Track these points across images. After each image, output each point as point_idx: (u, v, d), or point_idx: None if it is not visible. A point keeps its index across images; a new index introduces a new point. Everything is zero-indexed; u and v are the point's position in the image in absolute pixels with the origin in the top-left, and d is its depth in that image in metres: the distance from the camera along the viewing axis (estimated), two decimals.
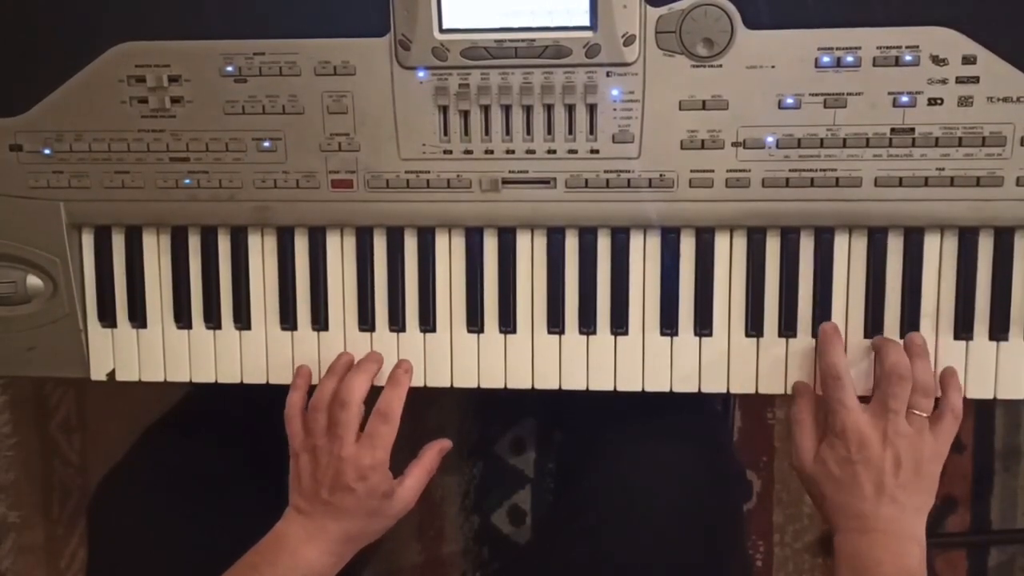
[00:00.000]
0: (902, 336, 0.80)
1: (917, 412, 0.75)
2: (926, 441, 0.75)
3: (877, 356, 0.78)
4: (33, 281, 0.85)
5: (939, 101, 0.75)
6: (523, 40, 0.77)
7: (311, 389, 0.84)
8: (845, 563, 0.75)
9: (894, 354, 0.76)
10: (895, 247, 0.80)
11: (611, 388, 0.84)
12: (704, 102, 0.77)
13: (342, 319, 0.85)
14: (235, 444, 0.98)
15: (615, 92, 0.77)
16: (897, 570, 0.73)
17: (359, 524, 0.81)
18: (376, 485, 0.80)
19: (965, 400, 0.80)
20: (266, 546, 0.80)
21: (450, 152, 0.80)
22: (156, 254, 0.86)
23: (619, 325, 0.82)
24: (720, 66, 0.76)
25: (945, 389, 0.78)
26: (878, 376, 0.78)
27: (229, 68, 0.80)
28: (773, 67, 0.76)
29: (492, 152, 0.80)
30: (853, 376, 0.79)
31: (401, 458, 0.83)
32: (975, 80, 0.74)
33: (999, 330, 0.79)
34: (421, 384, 0.85)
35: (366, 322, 0.85)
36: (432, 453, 0.86)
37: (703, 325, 0.82)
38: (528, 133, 0.79)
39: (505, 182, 0.80)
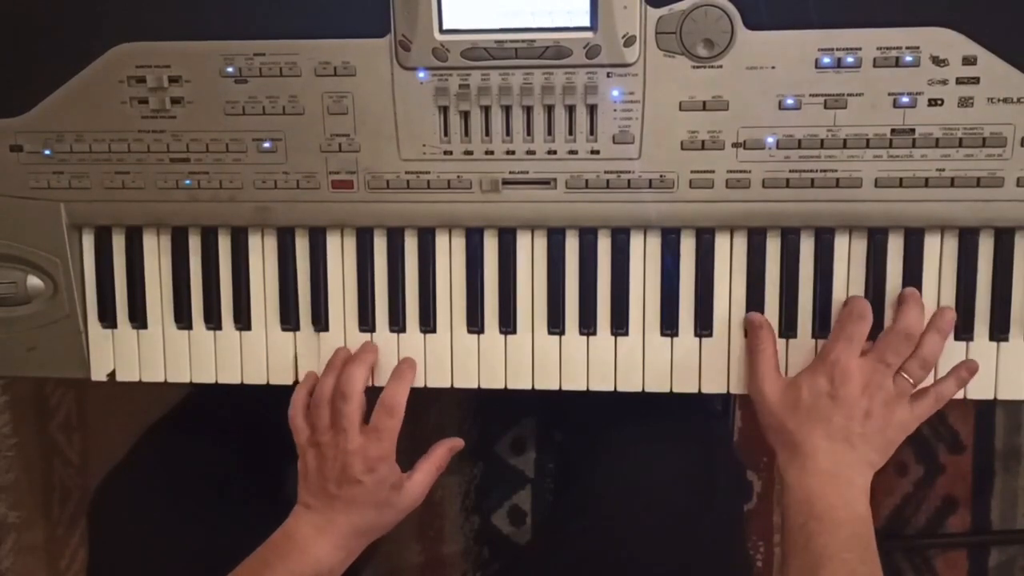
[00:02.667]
0: None
1: (906, 376, 0.76)
2: (901, 407, 0.76)
3: (898, 309, 0.78)
4: (33, 282, 0.85)
5: (939, 102, 0.75)
6: (523, 41, 0.77)
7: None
8: (797, 508, 0.74)
9: (912, 315, 0.76)
10: (895, 248, 0.80)
11: (611, 388, 0.84)
12: (704, 103, 0.77)
13: (342, 320, 0.85)
14: (235, 444, 0.98)
15: (615, 93, 0.77)
16: (850, 515, 0.73)
17: (368, 517, 0.81)
18: (384, 476, 0.80)
19: (965, 400, 0.80)
20: (276, 542, 0.80)
21: (450, 153, 0.80)
22: (156, 254, 0.86)
23: (619, 325, 0.83)
24: (720, 67, 0.76)
25: (950, 374, 0.78)
26: (887, 327, 0.78)
27: (229, 69, 0.80)
28: (773, 68, 0.76)
29: (492, 153, 0.80)
30: None
31: (401, 458, 0.83)
32: (975, 81, 0.74)
33: (999, 331, 0.79)
34: (421, 384, 0.85)
35: (366, 323, 0.85)
36: (443, 450, 0.86)
37: (703, 326, 0.82)
38: (528, 134, 0.79)
39: (505, 183, 0.80)
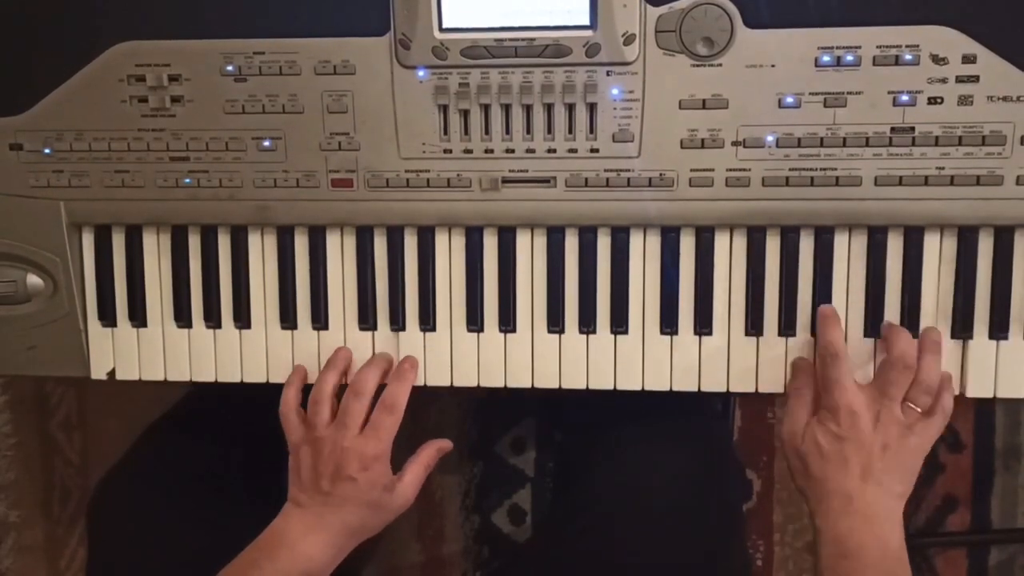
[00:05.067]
0: None
1: (912, 406, 0.75)
2: (915, 434, 0.75)
3: (886, 342, 0.78)
4: (33, 280, 0.85)
5: (939, 100, 0.75)
6: (523, 39, 0.77)
7: (306, 388, 0.84)
8: (828, 547, 0.74)
9: (903, 344, 0.76)
10: (895, 246, 0.80)
11: (611, 387, 0.84)
12: (704, 101, 0.77)
13: (342, 318, 0.86)
14: (235, 444, 0.98)
15: (615, 91, 0.77)
16: (881, 553, 0.73)
17: (359, 516, 0.81)
18: (378, 476, 0.80)
19: (965, 399, 0.80)
20: (265, 541, 0.80)
21: (450, 151, 0.80)
22: (156, 253, 0.86)
23: (619, 324, 0.83)
24: (720, 65, 0.76)
25: (939, 390, 0.77)
26: (882, 360, 0.77)
27: (229, 67, 0.80)
28: (773, 66, 0.76)
29: (492, 151, 0.80)
30: (854, 371, 0.79)
31: (401, 457, 0.83)
32: (975, 79, 0.74)
33: (999, 329, 0.79)
34: (421, 383, 0.85)
35: (366, 321, 0.85)
36: (431, 451, 0.86)
37: (703, 324, 0.82)
38: (528, 132, 0.79)
39: (505, 181, 0.80)
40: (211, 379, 0.87)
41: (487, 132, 0.79)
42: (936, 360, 0.77)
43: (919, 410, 0.76)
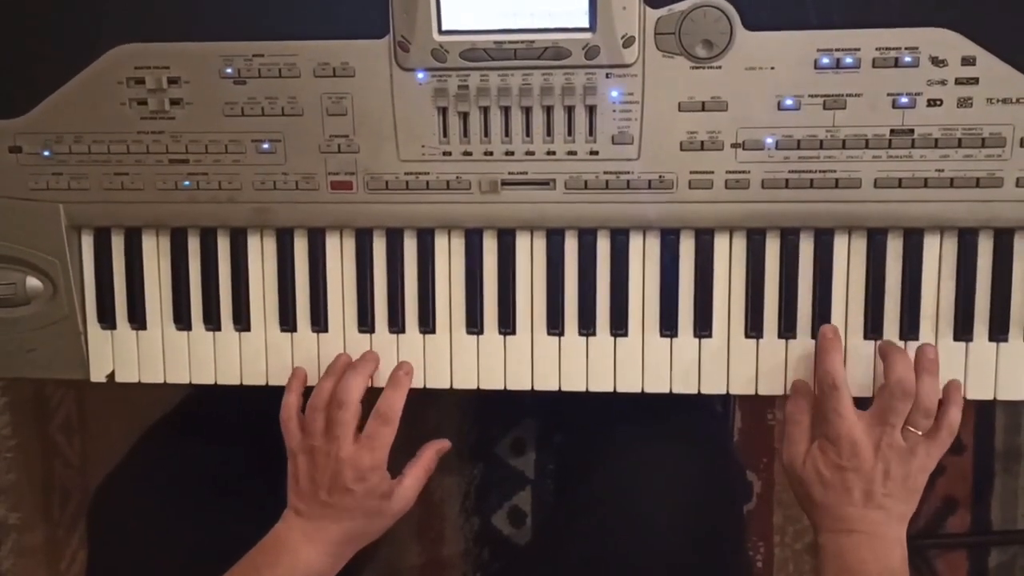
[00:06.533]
0: (901, 338, 0.80)
1: (913, 430, 0.75)
2: (918, 456, 0.75)
3: (884, 365, 0.77)
4: (33, 283, 0.85)
5: (938, 102, 0.75)
6: (522, 41, 0.77)
7: (307, 391, 0.84)
8: (829, 563, 0.75)
9: (901, 368, 0.75)
10: (895, 248, 0.80)
11: (611, 389, 0.84)
12: (703, 103, 0.77)
13: (341, 321, 0.85)
14: (235, 445, 0.98)
15: (614, 93, 0.77)
16: (881, 569, 0.74)
17: (358, 525, 0.81)
18: (375, 486, 0.80)
19: (965, 401, 0.80)
20: (266, 547, 0.80)
21: (449, 154, 0.80)
22: (156, 256, 0.86)
23: (619, 326, 0.82)
24: (719, 67, 0.76)
25: (946, 403, 0.77)
26: (881, 385, 0.77)
27: (228, 70, 0.80)
28: (772, 68, 0.76)
29: (491, 154, 0.80)
30: (854, 378, 0.79)
31: (400, 459, 0.83)
32: (974, 81, 0.74)
33: (999, 331, 0.79)
34: (421, 385, 0.85)
35: (366, 323, 0.85)
36: (430, 453, 0.86)
37: (703, 326, 0.82)
38: (527, 134, 0.79)
39: (504, 183, 0.80)
40: (210, 381, 0.87)
41: (486, 134, 0.79)
42: (934, 381, 0.76)
43: (919, 433, 0.75)
